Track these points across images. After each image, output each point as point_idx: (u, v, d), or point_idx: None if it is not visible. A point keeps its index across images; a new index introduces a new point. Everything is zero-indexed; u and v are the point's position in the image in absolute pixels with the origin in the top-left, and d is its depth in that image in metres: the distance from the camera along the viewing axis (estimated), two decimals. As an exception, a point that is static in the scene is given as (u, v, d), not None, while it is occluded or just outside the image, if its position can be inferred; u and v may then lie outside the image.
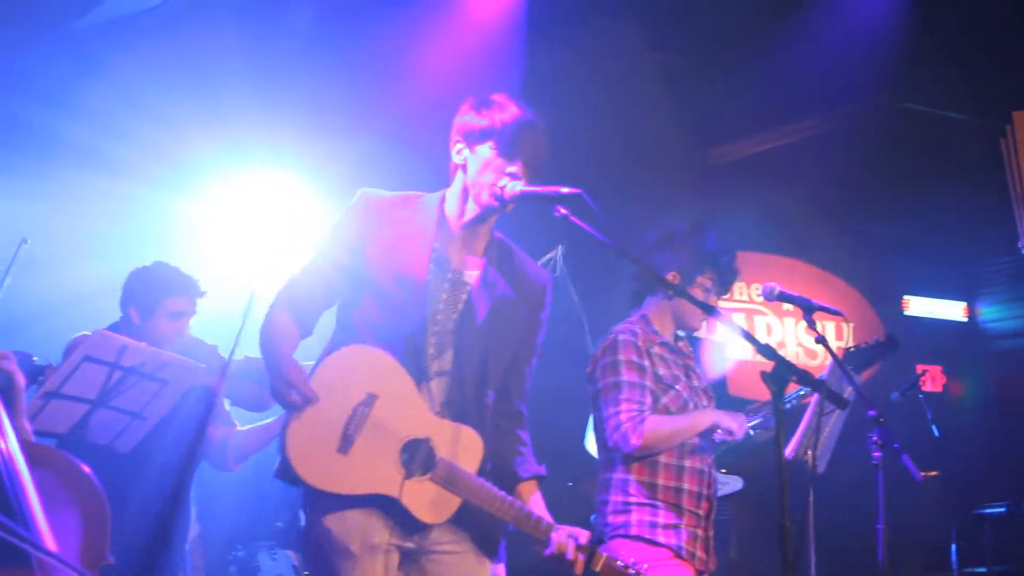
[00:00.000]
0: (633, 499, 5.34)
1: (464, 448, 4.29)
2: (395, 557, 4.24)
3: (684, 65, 9.19)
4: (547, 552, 4.28)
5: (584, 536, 4.31)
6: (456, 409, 4.32)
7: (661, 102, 9.10)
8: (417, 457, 4.20)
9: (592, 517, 5.49)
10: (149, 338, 5.72)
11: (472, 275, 4.43)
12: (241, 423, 6.07)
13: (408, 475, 4.18)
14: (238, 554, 7.19)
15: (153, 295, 5.92)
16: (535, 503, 4.45)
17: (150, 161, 7.67)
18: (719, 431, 5.32)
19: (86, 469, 3.74)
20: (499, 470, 4.45)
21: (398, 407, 4.20)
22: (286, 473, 4.19)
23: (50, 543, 3.38)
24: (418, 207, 4.44)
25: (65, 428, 5.36)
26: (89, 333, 5.44)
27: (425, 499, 4.20)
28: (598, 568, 4.26)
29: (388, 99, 7.45)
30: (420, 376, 4.26)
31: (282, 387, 4.14)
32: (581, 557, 4.26)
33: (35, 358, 5.40)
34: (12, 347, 4.07)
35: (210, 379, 5.67)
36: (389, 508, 4.18)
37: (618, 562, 4.30)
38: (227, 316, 6.27)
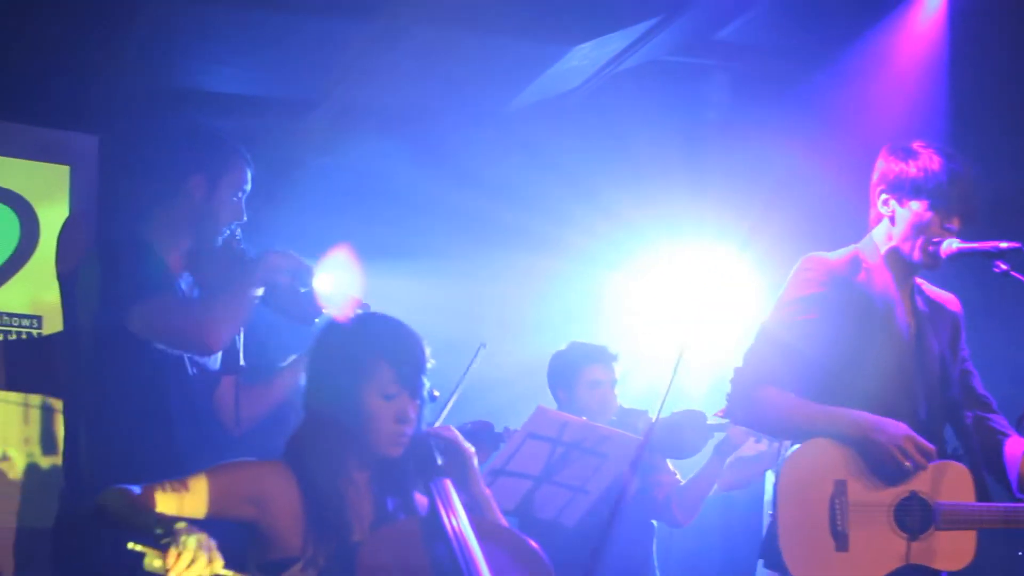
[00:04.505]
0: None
1: (953, 482, 4.18)
2: None
3: None
4: None
5: None
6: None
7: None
8: (913, 515, 4.11)
9: None
10: (577, 413, 5.84)
11: (912, 325, 4.35)
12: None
13: (912, 537, 4.09)
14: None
15: (571, 368, 6.23)
16: None
17: (582, 238, 7.81)
18: None
19: (534, 544, 3.80)
20: (998, 464, 4.33)
21: (869, 479, 4.11)
22: None
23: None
24: (868, 267, 4.35)
25: (513, 504, 5.50)
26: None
27: (940, 550, 4.12)
28: None
29: (812, 163, 7.34)
30: None
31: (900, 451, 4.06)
32: None
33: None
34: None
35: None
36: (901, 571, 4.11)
37: None
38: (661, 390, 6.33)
